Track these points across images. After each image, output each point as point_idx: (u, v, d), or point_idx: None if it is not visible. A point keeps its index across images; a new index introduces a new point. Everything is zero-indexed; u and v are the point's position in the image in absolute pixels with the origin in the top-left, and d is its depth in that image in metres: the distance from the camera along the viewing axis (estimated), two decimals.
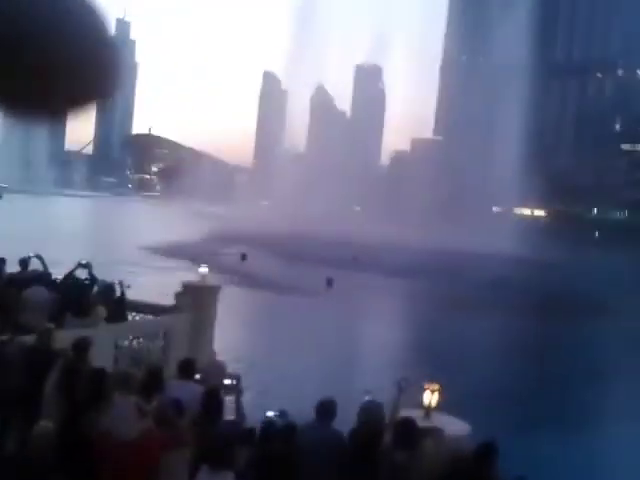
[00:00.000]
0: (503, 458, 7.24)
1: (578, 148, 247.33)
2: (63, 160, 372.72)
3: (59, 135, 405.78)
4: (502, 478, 7.23)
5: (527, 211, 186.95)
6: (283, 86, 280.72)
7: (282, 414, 7.79)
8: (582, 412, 24.30)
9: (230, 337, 30.67)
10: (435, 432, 8.11)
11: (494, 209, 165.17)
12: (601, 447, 20.55)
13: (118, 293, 17.13)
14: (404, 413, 8.16)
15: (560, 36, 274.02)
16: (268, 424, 7.63)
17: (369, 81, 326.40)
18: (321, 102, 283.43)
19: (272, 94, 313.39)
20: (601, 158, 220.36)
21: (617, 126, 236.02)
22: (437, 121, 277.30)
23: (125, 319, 17.43)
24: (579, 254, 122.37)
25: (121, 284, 17.28)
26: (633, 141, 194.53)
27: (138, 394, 7.83)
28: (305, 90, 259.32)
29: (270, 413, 7.72)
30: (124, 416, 7.30)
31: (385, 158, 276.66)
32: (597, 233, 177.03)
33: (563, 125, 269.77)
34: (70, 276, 16.67)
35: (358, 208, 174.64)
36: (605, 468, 19.38)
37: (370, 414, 7.87)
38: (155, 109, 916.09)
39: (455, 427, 9.21)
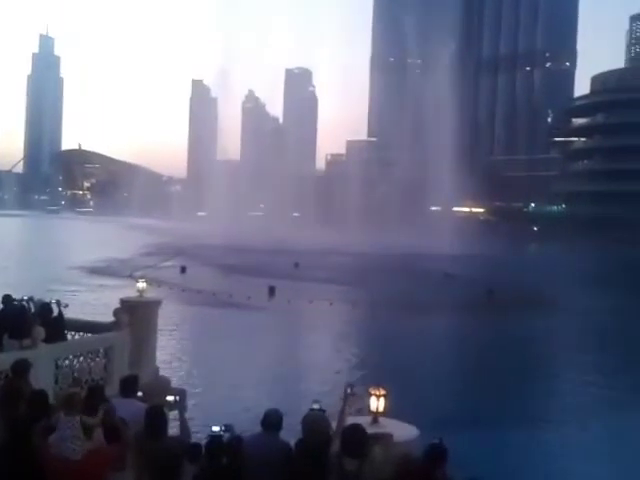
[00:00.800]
0: (453, 459, 7.22)
1: (512, 143, 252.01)
2: None
3: None
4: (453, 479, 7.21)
5: (466, 209, 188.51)
6: (213, 94, 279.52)
7: (228, 428, 7.64)
8: (526, 409, 24.55)
9: (175, 351, 30.42)
10: (384, 438, 8.07)
11: (432, 208, 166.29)
12: (546, 444, 20.78)
13: (55, 313, 16.85)
14: (351, 420, 8.09)
15: (487, 32, 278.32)
16: (214, 439, 7.49)
17: (299, 85, 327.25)
18: (252, 108, 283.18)
19: (202, 103, 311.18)
20: (535, 152, 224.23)
21: (548, 119, 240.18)
22: (370, 122, 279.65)
23: (65, 338, 17.17)
24: (519, 249, 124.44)
25: (58, 303, 16.98)
26: (565, 133, 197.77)
27: (82, 414, 7.66)
28: (235, 97, 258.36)
29: (216, 428, 7.57)
30: (69, 437, 7.15)
31: (321, 162, 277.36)
32: (536, 227, 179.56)
33: (496, 121, 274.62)
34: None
35: (297, 214, 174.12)
36: (548, 465, 19.54)
37: (314, 424, 7.79)
38: (84, 124, 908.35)
39: (404, 431, 9.15)
